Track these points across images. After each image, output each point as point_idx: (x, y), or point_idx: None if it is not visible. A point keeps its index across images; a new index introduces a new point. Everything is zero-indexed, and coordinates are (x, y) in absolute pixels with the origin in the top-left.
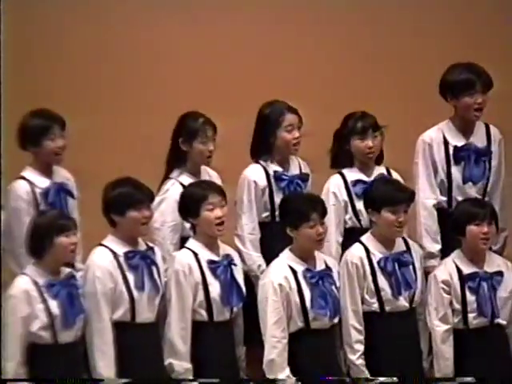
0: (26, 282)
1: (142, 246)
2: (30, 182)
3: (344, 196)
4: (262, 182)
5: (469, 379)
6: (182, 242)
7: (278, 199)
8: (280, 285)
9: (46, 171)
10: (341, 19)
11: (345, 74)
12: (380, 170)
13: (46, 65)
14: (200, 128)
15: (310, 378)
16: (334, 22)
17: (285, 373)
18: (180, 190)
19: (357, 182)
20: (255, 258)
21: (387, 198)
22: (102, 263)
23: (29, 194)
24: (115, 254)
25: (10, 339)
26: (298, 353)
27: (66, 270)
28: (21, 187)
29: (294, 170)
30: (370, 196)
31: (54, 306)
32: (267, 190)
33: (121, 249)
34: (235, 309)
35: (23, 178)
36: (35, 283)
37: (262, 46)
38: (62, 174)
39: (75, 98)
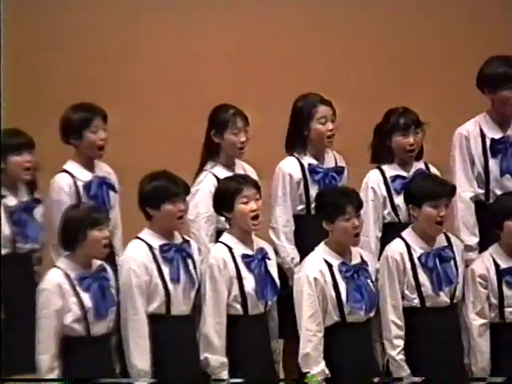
0: (58, 275)
1: (178, 239)
2: (72, 175)
3: (383, 191)
4: (297, 174)
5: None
6: (218, 234)
7: (313, 192)
8: (315, 279)
9: (88, 165)
10: (377, 14)
11: (380, 68)
12: (419, 165)
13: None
14: (230, 119)
15: (345, 372)
16: (368, 17)
17: (320, 366)
18: (214, 181)
19: (396, 178)
20: (289, 250)
21: (428, 192)
22: (137, 256)
23: (71, 187)
24: (150, 247)
25: (44, 332)
26: (333, 346)
27: (97, 263)
28: (63, 180)
29: (329, 163)
30: (411, 191)
31: (86, 298)
32: (302, 183)
33: (156, 242)
34: (269, 302)
35: (65, 170)
36: (67, 276)
37: (295, 41)
38: (104, 169)
39: (107, 95)
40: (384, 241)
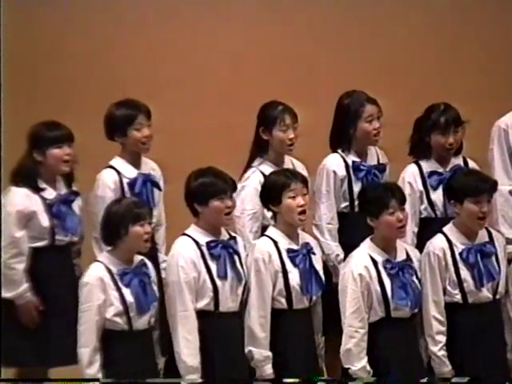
0: (100, 270)
1: (225, 236)
2: (118, 172)
3: (419, 186)
4: (341, 171)
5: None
6: (263, 231)
7: (356, 189)
8: (360, 274)
9: (134, 161)
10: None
11: (423, 64)
12: (457, 161)
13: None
14: (279, 116)
15: (391, 367)
16: (410, 15)
17: (361, 363)
18: (260, 178)
19: (432, 174)
20: (333, 247)
21: (470, 188)
22: (185, 252)
23: (116, 183)
24: (198, 244)
25: (86, 326)
26: (379, 342)
27: (138, 258)
28: (109, 176)
29: (372, 161)
30: (453, 187)
31: (127, 293)
32: (346, 180)
33: (203, 238)
34: (314, 297)
35: (111, 167)
36: (109, 270)
37: (340, 36)
38: (150, 165)
39: (146, 93)
40: (421, 236)
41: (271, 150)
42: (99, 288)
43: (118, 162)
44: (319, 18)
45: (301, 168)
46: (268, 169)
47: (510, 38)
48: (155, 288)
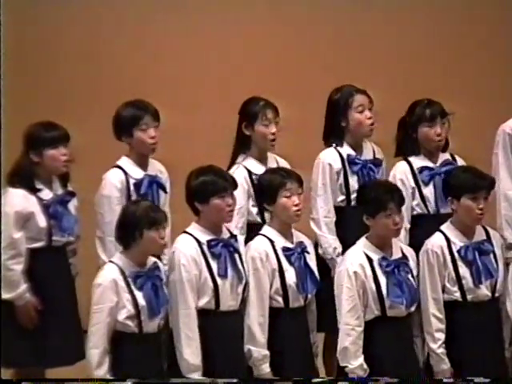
0: (114, 271)
1: (226, 234)
2: (125, 172)
3: (411, 182)
4: (337, 164)
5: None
6: (248, 227)
7: (352, 182)
8: (355, 272)
9: (141, 162)
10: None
11: (420, 63)
12: (445, 156)
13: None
14: (260, 110)
15: (385, 366)
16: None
17: (358, 361)
18: (245, 174)
19: (423, 169)
20: (331, 240)
21: (467, 185)
22: (186, 251)
23: (122, 184)
24: (199, 242)
25: (97, 327)
26: (374, 341)
27: (152, 260)
28: (115, 176)
29: (368, 155)
30: (450, 184)
31: (139, 296)
32: (342, 173)
33: (204, 237)
34: (309, 295)
35: (118, 167)
36: (122, 272)
37: (329, 32)
38: (157, 167)
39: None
40: (413, 232)
41: (254, 146)
42: (112, 290)
43: (125, 163)
44: (318, 17)
45: (285, 164)
46: (252, 164)
47: (510, 38)
48: (166, 291)
